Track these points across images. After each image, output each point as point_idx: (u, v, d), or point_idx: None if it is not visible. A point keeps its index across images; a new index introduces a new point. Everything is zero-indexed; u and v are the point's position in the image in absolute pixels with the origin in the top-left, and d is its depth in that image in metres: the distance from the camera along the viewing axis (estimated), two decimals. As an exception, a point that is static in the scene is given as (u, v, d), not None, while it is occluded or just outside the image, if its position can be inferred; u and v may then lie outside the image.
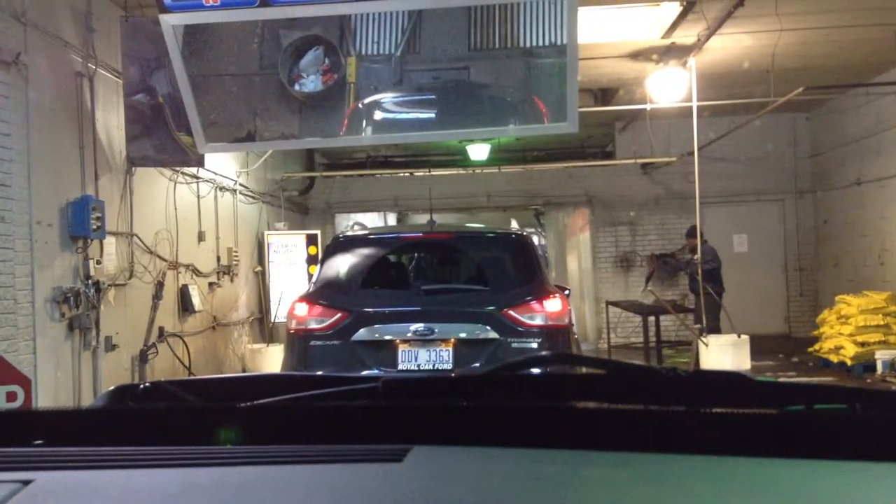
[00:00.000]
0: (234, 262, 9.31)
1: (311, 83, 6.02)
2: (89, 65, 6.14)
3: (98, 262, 6.14)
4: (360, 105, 6.07)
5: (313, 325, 5.49)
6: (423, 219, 11.96)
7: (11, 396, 3.85)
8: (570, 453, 0.87)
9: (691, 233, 9.96)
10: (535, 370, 1.23)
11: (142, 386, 1.17)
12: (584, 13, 5.52)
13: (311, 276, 10.05)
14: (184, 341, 7.65)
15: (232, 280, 9.33)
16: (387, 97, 6.16)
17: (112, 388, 1.18)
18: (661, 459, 0.86)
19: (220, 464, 0.86)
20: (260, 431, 0.95)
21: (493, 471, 0.85)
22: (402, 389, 1.14)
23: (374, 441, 0.89)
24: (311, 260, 10.48)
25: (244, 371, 8.96)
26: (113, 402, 1.17)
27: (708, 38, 7.70)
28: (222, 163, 8.98)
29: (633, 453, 0.86)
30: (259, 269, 10.35)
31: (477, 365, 5.27)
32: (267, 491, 0.79)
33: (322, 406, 1.04)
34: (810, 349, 10.06)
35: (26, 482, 0.80)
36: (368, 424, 0.96)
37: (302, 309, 5.58)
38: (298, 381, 1.13)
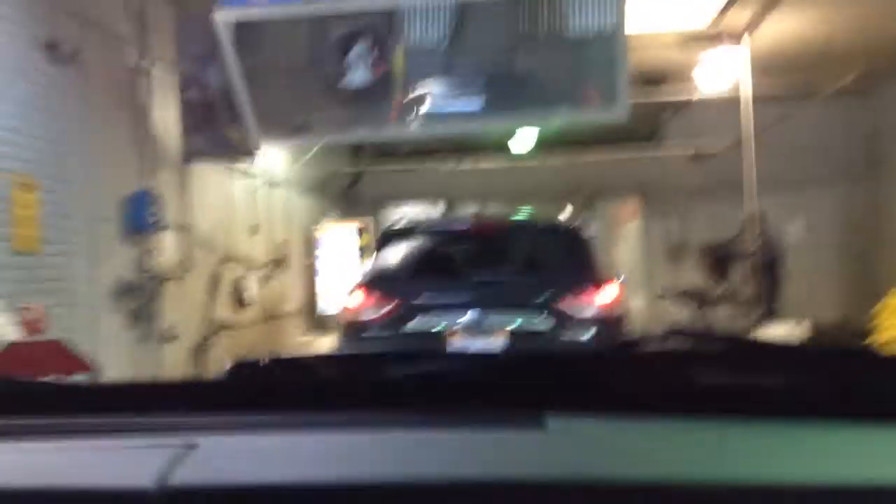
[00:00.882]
0: (286, 255, 9.43)
1: (359, 76, 6.05)
2: (145, 60, 6.26)
3: (156, 256, 6.27)
4: (407, 96, 6.10)
5: (366, 316, 5.54)
6: (469, 209, 11.96)
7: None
8: (712, 422, 0.88)
9: (751, 221, 9.80)
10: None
11: (261, 361, 1.21)
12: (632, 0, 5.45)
13: (360, 267, 10.13)
14: (238, 332, 7.77)
15: (283, 272, 9.45)
16: (435, 88, 6.17)
17: (231, 363, 1.22)
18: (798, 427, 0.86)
19: (366, 429, 0.88)
20: (396, 401, 0.97)
21: (638, 440, 0.86)
22: (523, 360, 1.16)
23: (505, 409, 0.91)
24: (360, 251, 10.56)
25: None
26: (234, 376, 1.20)
27: (760, 21, 7.56)
28: (273, 157, 9.09)
29: (773, 422, 0.87)
30: (309, 261, 10.47)
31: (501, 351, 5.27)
32: (420, 454, 0.81)
33: (452, 375, 1.06)
34: (865, 341, 9.84)
35: (192, 445, 0.83)
36: (498, 393, 0.97)
37: (355, 299, 5.64)
38: (407, 358, 1.15)
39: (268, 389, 1.06)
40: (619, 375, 1.04)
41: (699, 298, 10.17)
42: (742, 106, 8.35)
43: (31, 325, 4.40)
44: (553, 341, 5.28)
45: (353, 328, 5.60)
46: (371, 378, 1.06)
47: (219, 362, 7.31)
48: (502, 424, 0.88)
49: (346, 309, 5.70)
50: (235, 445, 0.86)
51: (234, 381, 1.18)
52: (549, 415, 0.89)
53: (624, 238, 13.29)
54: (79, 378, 4.04)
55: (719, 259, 11.84)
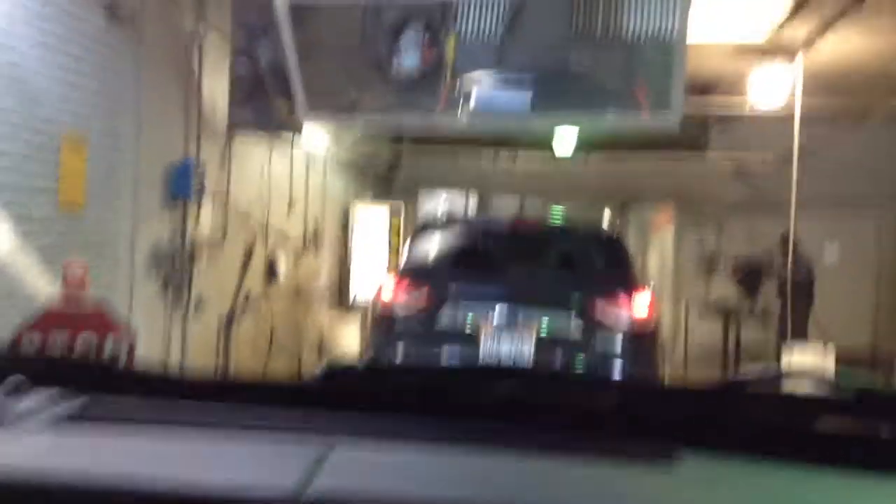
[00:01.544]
0: (321, 232, 9.44)
1: (410, 60, 6.02)
2: (200, 27, 6.27)
3: (195, 224, 6.30)
4: (456, 86, 6.06)
5: (398, 308, 5.54)
6: (505, 202, 11.91)
7: (130, 352, 3.99)
8: (839, 473, 0.86)
9: (785, 239, 9.69)
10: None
11: (359, 367, 1.19)
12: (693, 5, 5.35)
13: (393, 248, 10.13)
14: (269, 306, 7.80)
15: (317, 249, 9.47)
16: (485, 78, 6.13)
17: (325, 365, 1.20)
18: None
19: (502, 448, 0.87)
20: (514, 418, 0.95)
21: (772, 484, 0.84)
22: (642, 391, 1.14)
23: (631, 441, 0.89)
24: (394, 234, 10.56)
25: (323, 340, 9.11)
26: (330, 377, 1.18)
27: (819, 37, 7.43)
28: (316, 134, 9.09)
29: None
30: (344, 240, 10.48)
31: (560, 356, 5.24)
32: (557, 483, 0.80)
33: (571, 396, 1.04)
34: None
35: (329, 448, 0.83)
36: (623, 422, 0.95)
37: (389, 289, 5.63)
38: (512, 374, 1.13)
39: (396, 391, 1.04)
40: (744, 414, 1.01)
41: (727, 313, 10.07)
42: (792, 121, 8.22)
43: (73, 282, 4.42)
44: (586, 346, 5.25)
45: (386, 317, 5.60)
46: (483, 393, 1.03)
47: (249, 335, 7.34)
48: (632, 458, 0.86)
49: (379, 299, 5.70)
50: (374, 452, 0.85)
51: (335, 385, 1.15)
52: (680, 451, 0.87)
53: (657, 245, 13.18)
54: (115, 341, 4.06)
55: (750, 274, 11.73)
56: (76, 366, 1.17)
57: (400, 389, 1.07)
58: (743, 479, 0.85)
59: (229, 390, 1.09)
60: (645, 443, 0.90)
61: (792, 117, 8.19)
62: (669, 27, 5.54)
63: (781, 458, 0.88)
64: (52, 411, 0.92)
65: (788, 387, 1.27)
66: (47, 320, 3.97)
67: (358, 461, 0.82)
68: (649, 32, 5.70)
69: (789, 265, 9.04)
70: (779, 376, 1.23)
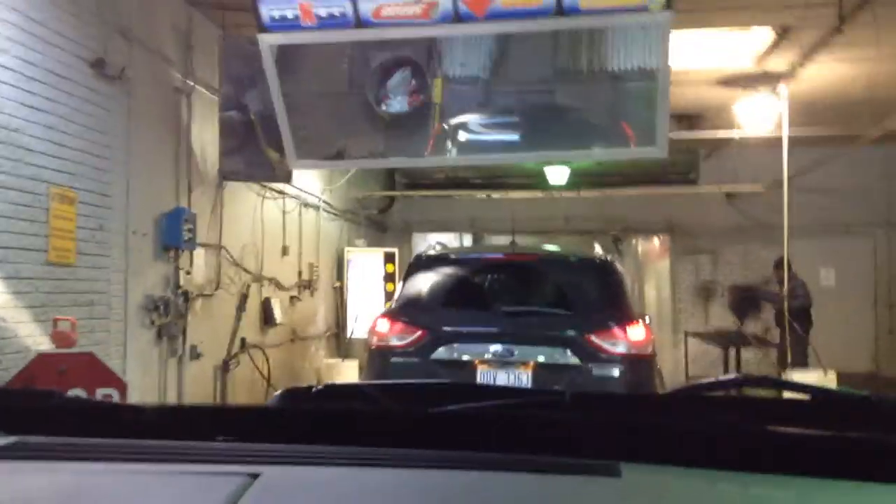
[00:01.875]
0: (315, 277, 9.46)
1: (397, 104, 6.09)
2: (188, 81, 6.36)
3: (188, 273, 6.32)
4: (445, 126, 6.11)
5: (394, 342, 5.53)
6: (499, 240, 11.94)
7: (107, 399, 3.98)
8: (794, 479, 0.86)
9: (780, 264, 9.70)
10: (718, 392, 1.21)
11: (313, 389, 1.19)
12: (673, 37, 5.44)
13: (388, 293, 10.13)
14: (264, 353, 7.78)
15: (312, 294, 9.48)
16: (472, 119, 6.19)
17: (281, 390, 1.21)
18: (884, 489, 0.84)
19: (433, 467, 0.87)
20: (455, 437, 0.96)
21: (715, 493, 0.84)
22: (589, 403, 1.14)
23: (573, 454, 0.89)
24: (389, 277, 10.57)
25: (320, 383, 9.05)
26: (285, 403, 1.19)
27: (801, 65, 7.52)
28: (307, 180, 9.15)
29: (861, 482, 0.85)
30: (338, 284, 10.49)
31: (564, 390, 5.21)
32: (491, 496, 0.79)
33: (517, 415, 1.04)
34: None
35: (254, 475, 0.82)
36: (566, 436, 0.95)
37: (384, 325, 5.63)
38: (466, 391, 1.13)
39: (325, 419, 1.05)
40: (692, 422, 1.01)
41: (726, 340, 10.04)
42: (780, 147, 8.28)
43: (61, 337, 4.42)
44: (581, 377, 5.23)
45: (380, 353, 5.59)
46: (431, 411, 1.04)
47: (245, 382, 7.32)
48: (577, 471, 0.86)
49: (374, 334, 5.69)
50: (298, 478, 0.84)
51: (289, 408, 1.17)
52: (624, 462, 0.87)
53: (652, 275, 13.19)
54: (107, 392, 4.05)
55: (747, 301, 11.72)
56: (11, 405, 1.18)
57: (333, 414, 1.07)
58: (686, 487, 0.85)
59: (167, 424, 1.10)
60: (590, 455, 0.89)
61: (780, 144, 8.25)
62: (651, 63, 5.62)
63: (732, 464, 0.87)
64: None
65: (742, 391, 1.27)
66: (35, 375, 3.96)
67: (284, 485, 0.82)
68: (632, 68, 5.78)
69: (786, 291, 9.03)
70: (737, 381, 1.23)
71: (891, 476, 0.85)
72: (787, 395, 1.23)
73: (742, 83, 8.59)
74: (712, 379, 1.15)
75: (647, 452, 0.90)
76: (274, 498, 0.78)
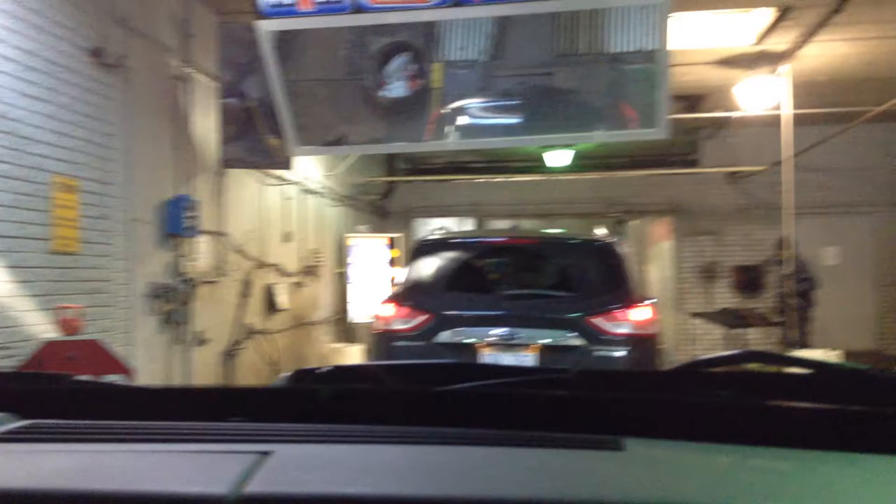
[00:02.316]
0: (318, 263, 9.48)
1: (396, 89, 6.09)
2: (186, 69, 6.35)
3: (191, 260, 6.34)
4: (444, 110, 6.11)
5: (398, 326, 5.55)
6: (501, 224, 11.94)
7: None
8: (794, 452, 0.87)
9: (780, 245, 9.71)
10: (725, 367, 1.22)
11: (319, 370, 1.21)
12: (673, 19, 5.43)
13: (389, 278, 10.16)
14: (269, 338, 7.82)
15: (315, 280, 9.50)
16: (471, 103, 6.19)
17: (290, 371, 1.23)
18: (882, 460, 0.85)
19: (440, 443, 0.88)
20: (462, 415, 0.97)
21: (715, 465, 0.85)
22: (593, 380, 1.15)
23: (577, 430, 0.90)
24: (391, 262, 10.59)
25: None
26: (294, 383, 1.21)
27: (802, 44, 7.49)
28: (309, 166, 9.16)
29: (860, 454, 0.86)
30: (341, 270, 10.52)
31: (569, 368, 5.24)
32: (499, 472, 0.81)
33: (522, 392, 1.06)
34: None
35: (265, 453, 0.84)
36: (570, 412, 0.97)
37: (387, 310, 5.65)
38: (470, 370, 1.15)
39: (333, 398, 1.06)
40: (694, 398, 1.03)
41: (730, 320, 10.06)
42: (782, 127, 8.27)
43: (67, 325, 4.45)
44: (585, 358, 5.25)
45: (385, 337, 5.62)
46: (436, 389, 1.05)
47: (250, 368, 7.36)
48: (579, 446, 0.87)
49: (378, 318, 5.72)
50: (309, 455, 0.86)
51: (298, 388, 1.18)
52: (627, 437, 0.88)
53: (656, 256, 13.20)
54: (114, 379, 4.08)
55: (751, 281, 11.73)
56: (24, 388, 1.19)
57: (341, 393, 1.09)
58: (687, 460, 0.86)
59: (178, 405, 1.12)
60: (593, 430, 0.91)
61: (781, 124, 8.23)
62: (651, 44, 5.60)
63: (734, 438, 0.89)
64: None
65: (746, 365, 1.28)
66: (43, 362, 3.99)
67: (297, 462, 0.83)
68: (632, 49, 5.77)
69: (784, 271, 9.02)
70: (738, 356, 1.24)
71: (889, 447, 0.86)
72: (788, 370, 1.25)
73: (743, 63, 8.56)
74: (715, 354, 1.17)
75: (650, 427, 0.92)
76: (284, 474, 0.79)
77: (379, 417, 0.98)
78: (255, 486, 0.76)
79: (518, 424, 0.94)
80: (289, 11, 5.25)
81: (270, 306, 8.05)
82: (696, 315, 11.22)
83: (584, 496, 0.74)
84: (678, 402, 1.01)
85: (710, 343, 11.70)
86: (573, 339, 5.34)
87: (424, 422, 0.96)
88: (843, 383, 1.13)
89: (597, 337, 5.33)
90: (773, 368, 1.34)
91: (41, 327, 4.64)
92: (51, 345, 4.25)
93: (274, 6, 5.23)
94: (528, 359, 5.37)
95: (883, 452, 0.86)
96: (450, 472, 0.81)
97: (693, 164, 12.80)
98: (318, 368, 1.22)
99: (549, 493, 0.74)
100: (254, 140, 6.60)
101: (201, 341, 6.48)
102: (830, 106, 9.26)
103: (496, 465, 0.83)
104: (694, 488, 0.78)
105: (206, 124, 6.72)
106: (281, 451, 0.85)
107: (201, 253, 6.57)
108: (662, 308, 12.35)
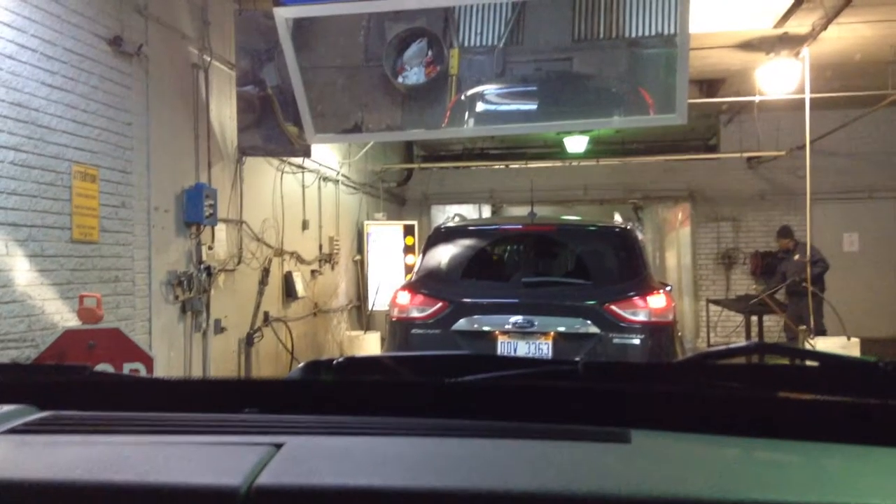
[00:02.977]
0: (335, 251, 9.51)
1: (414, 75, 6.07)
2: (205, 57, 6.37)
3: (210, 248, 6.37)
4: (462, 97, 6.09)
5: (415, 314, 5.56)
6: (518, 211, 11.93)
7: (134, 374, 4.04)
8: (801, 444, 0.87)
9: (784, 233, 9.68)
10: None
11: (335, 361, 1.22)
12: (693, 1, 5.37)
13: (407, 265, 10.17)
14: (287, 326, 7.86)
15: (333, 268, 9.54)
16: (489, 88, 6.16)
17: (304, 362, 1.24)
18: (889, 452, 0.85)
19: (450, 435, 0.89)
20: (472, 406, 0.98)
21: (722, 457, 0.85)
22: (602, 372, 1.16)
23: (585, 422, 0.91)
24: (408, 250, 10.60)
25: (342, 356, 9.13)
26: (307, 376, 1.22)
27: (824, 27, 7.40)
28: (326, 154, 9.17)
29: (867, 446, 0.86)
30: (358, 257, 10.54)
31: (578, 360, 5.23)
32: (507, 464, 0.81)
33: (531, 385, 1.06)
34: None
35: (278, 445, 0.85)
36: (578, 404, 0.97)
37: (404, 297, 5.65)
38: (482, 361, 1.15)
39: (346, 390, 1.07)
40: (703, 390, 1.03)
41: (748, 307, 9.99)
42: (806, 111, 8.18)
43: (87, 313, 4.49)
44: (602, 346, 5.23)
45: (402, 325, 5.63)
46: (448, 381, 1.06)
47: (269, 355, 7.40)
48: (587, 438, 0.88)
49: (394, 306, 5.73)
50: (321, 447, 0.87)
51: (312, 380, 1.19)
52: (634, 429, 0.88)
53: (674, 243, 13.13)
54: (133, 367, 4.12)
55: (769, 267, 11.65)
56: (39, 379, 1.21)
57: (354, 385, 1.10)
58: (693, 452, 0.87)
59: (195, 397, 1.13)
60: (602, 422, 0.91)
61: (802, 108, 8.15)
62: (671, 28, 5.55)
63: (742, 430, 0.89)
64: (3, 426, 0.95)
65: (756, 358, 1.28)
66: (63, 350, 4.03)
67: (310, 453, 0.84)
68: (651, 34, 5.72)
69: (807, 258, 8.95)
70: (746, 348, 1.24)
71: (895, 439, 0.86)
72: (796, 362, 1.24)
73: (764, 47, 8.47)
74: (724, 346, 1.16)
75: (657, 419, 0.92)
76: (297, 466, 0.80)
77: (390, 409, 0.99)
78: (267, 478, 0.77)
79: (527, 416, 0.94)
80: (305, -2, 5.24)
81: (289, 294, 8.08)
82: (713, 302, 11.16)
83: (590, 488, 0.74)
84: (686, 394, 1.01)
85: (729, 330, 11.64)
86: (590, 327, 5.32)
87: (435, 413, 0.97)
88: (850, 376, 1.13)
89: (614, 324, 5.31)
90: (781, 360, 1.34)
91: (62, 315, 4.69)
92: (71, 333, 4.29)
93: (291, -7, 5.22)
94: (544, 347, 5.37)
95: (889, 445, 0.86)
96: (458, 465, 0.82)
97: (712, 149, 12.71)
98: (332, 360, 1.23)
99: (555, 485, 0.75)
100: (271, 128, 6.61)
101: (220, 329, 6.53)
102: (852, 90, 9.15)
103: (504, 457, 0.84)
104: (700, 480, 0.78)
105: (224, 112, 6.74)
106: (293, 442, 0.86)
107: (220, 241, 6.61)
108: (680, 295, 12.33)
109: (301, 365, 1.24)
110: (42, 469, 0.81)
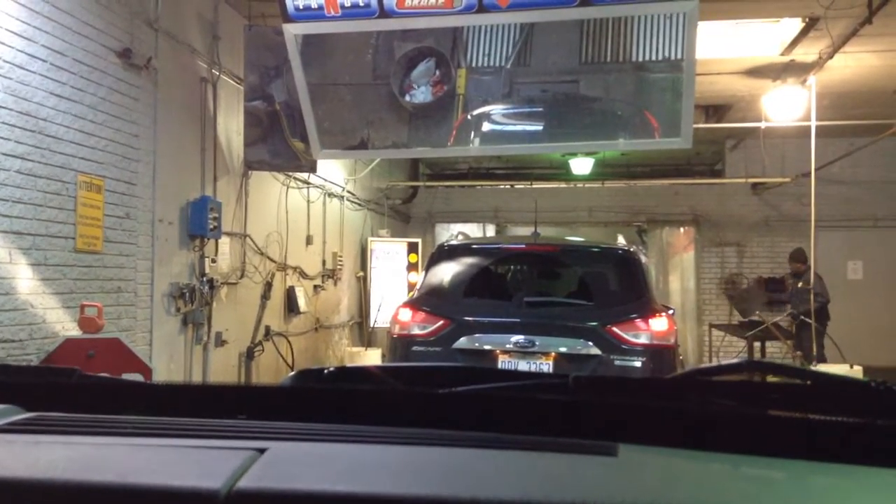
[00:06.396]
0: (339, 267, 9.51)
1: (421, 94, 6.10)
2: (213, 71, 6.41)
3: (213, 261, 6.38)
4: (468, 116, 6.12)
5: (416, 331, 5.55)
6: (522, 231, 11.93)
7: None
8: (788, 462, 0.87)
9: (797, 257, 9.63)
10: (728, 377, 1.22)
11: (326, 370, 1.22)
12: (700, 27, 5.40)
13: (410, 283, 10.17)
14: (288, 341, 7.85)
15: (335, 284, 9.54)
16: (495, 109, 6.18)
17: (295, 371, 1.24)
18: (875, 472, 0.85)
19: (435, 444, 0.89)
20: (460, 417, 0.98)
21: (707, 472, 0.85)
22: (592, 386, 1.16)
23: (573, 435, 0.91)
24: (411, 267, 10.61)
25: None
26: (297, 384, 1.22)
27: (830, 56, 7.42)
28: (331, 170, 9.20)
29: (853, 465, 0.86)
30: (361, 274, 10.55)
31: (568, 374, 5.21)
32: (490, 473, 0.81)
33: (520, 397, 1.06)
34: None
35: (261, 450, 0.85)
36: (567, 418, 0.97)
37: (406, 314, 5.65)
38: (475, 374, 1.15)
39: (334, 398, 1.07)
40: (692, 406, 1.03)
41: (750, 332, 9.96)
42: (808, 138, 8.19)
43: (88, 322, 4.50)
44: (603, 367, 5.22)
45: (403, 342, 5.62)
46: (436, 392, 1.06)
47: (269, 369, 7.39)
48: (573, 450, 0.88)
49: (397, 322, 5.72)
50: (304, 453, 0.87)
51: (300, 387, 1.20)
52: (622, 443, 0.88)
53: (678, 267, 13.11)
54: (134, 377, 4.12)
55: (771, 294, 11.61)
56: (26, 381, 1.21)
57: (343, 393, 1.10)
58: (679, 467, 0.86)
59: (182, 402, 1.13)
60: (590, 436, 0.91)
61: (808, 135, 8.16)
62: (677, 54, 5.58)
63: (730, 447, 0.89)
64: None
65: (746, 375, 1.28)
66: (63, 359, 4.03)
67: (291, 459, 0.84)
68: (657, 59, 5.75)
69: (800, 284, 8.93)
70: (738, 366, 1.24)
71: (883, 460, 0.85)
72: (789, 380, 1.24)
73: (771, 74, 8.50)
74: (715, 364, 1.17)
75: (646, 434, 0.92)
76: (279, 471, 0.80)
77: (378, 418, 0.99)
78: (247, 482, 0.77)
79: (515, 428, 0.94)
80: (316, 15, 5.29)
81: (291, 308, 8.08)
82: (715, 326, 11.13)
83: (573, 498, 0.74)
84: (675, 409, 1.01)
85: (732, 355, 11.59)
86: (591, 348, 5.31)
87: (423, 423, 0.97)
88: (841, 395, 1.13)
89: (615, 346, 5.30)
90: (773, 378, 1.34)
91: (63, 325, 4.69)
92: (72, 342, 4.29)
93: (301, 10, 5.27)
94: (545, 367, 5.35)
95: (877, 465, 0.86)
96: (441, 473, 0.82)
97: (717, 174, 12.73)
98: (323, 369, 1.23)
99: (538, 494, 0.75)
100: (278, 143, 6.64)
101: (221, 342, 6.53)
102: (858, 118, 9.17)
103: (487, 466, 0.83)
104: (684, 495, 0.78)
105: (231, 126, 6.78)
106: (276, 448, 0.86)
107: (223, 254, 6.62)
108: (684, 319, 12.30)
109: (292, 373, 1.24)
110: (22, 468, 0.81)
